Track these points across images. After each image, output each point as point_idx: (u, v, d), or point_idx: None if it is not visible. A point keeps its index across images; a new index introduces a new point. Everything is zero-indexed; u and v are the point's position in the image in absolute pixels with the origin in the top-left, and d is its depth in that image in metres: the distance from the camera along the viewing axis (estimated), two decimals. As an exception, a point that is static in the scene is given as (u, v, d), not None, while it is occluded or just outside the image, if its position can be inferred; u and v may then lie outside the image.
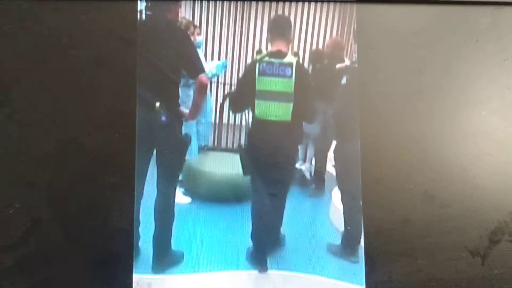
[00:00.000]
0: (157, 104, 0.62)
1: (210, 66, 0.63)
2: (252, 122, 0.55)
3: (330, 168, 0.64)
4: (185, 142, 0.64)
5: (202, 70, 0.64)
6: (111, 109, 0.62)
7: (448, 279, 0.63)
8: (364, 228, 0.63)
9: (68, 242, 0.60)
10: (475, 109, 0.66)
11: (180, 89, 0.64)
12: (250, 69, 0.54)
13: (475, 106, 0.67)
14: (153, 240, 0.61)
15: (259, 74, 0.55)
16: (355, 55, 0.65)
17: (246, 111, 0.55)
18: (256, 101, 0.55)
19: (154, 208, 0.62)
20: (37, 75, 0.62)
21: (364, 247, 0.62)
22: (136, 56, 0.63)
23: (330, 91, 0.59)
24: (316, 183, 0.63)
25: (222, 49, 0.65)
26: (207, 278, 0.61)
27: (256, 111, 0.54)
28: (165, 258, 0.61)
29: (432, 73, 0.66)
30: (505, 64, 0.67)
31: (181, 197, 0.65)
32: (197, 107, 0.63)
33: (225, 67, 0.60)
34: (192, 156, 0.64)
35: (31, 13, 0.63)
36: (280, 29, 0.55)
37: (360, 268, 0.62)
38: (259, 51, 0.56)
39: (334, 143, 0.64)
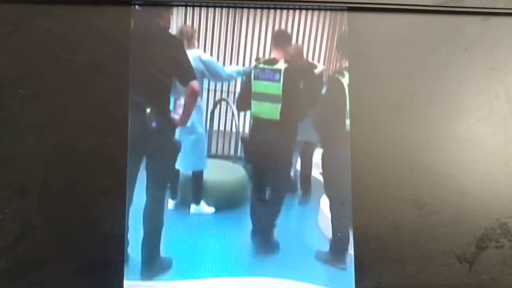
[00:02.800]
0: (148, 110, 0.63)
1: (230, 69, 0.65)
2: (251, 119, 0.63)
3: (318, 175, 0.65)
4: (175, 148, 0.64)
5: (193, 76, 0.64)
6: (104, 114, 0.62)
7: (437, 285, 0.64)
8: (353, 234, 0.63)
9: (59, 248, 0.60)
10: (463, 117, 0.67)
11: (171, 95, 0.64)
12: (248, 74, 0.63)
13: (463, 114, 0.67)
14: (142, 247, 0.61)
15: (254, 78, 0.63)
16: (339, 65, 0.65)
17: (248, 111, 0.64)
18: (253, 102, 0.63)
19: (143, 215, 0.62)
20: (30, 80, 0.62)
21: (354, 254, 0.63)
22: (129, 62, 0.63)
23: (312, 98, 0.65)
24: (303, 189, 0.65)
25: (214, 54, 0.65)
26: (195, 285, 0.61)
27: (253, 110, 0.63)
28: (153, 265, 0.61)
29: (421, 81, 0.67)
30: (493, 73, 0.68)
31: (205, 208, 0.65)
32: (188, 113, 0.64)
33: (247, 73, 0.64)
34: (201, 167, 0.65)
35: (25, 18, 0.63)
36: (278, 41, 0.63)
37: (349, 274, 0.63)
38: (258, 58, 0.63)
39: (320, 151, 0.65)
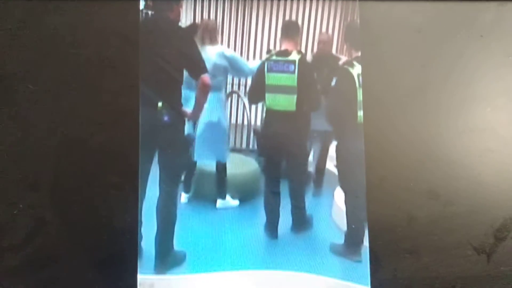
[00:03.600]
0: (159, 103, 0.62)
1: (253, 64, 0.65)
2: (264, 112, 0.63)
3: (332, 167, 0.64)
4: (187, 142, 0.63)
5: (204, 70, 0.64)
6: (114, 109, 0.62)
7: (454, 277, 0.63)
8: (368, 226, 0.62)
9: (72, 242, 0.60)
10: (480, 106, 0.66)
11: (182, 89, 0.64)
12: (260, 67, 0.62)
13: (480, 103, 0.66)
14: (155, 240, 0.61)
15: (267, 71, 0.62)
16: (349, 55, 0.64)
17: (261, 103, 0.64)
18: (266, 94, 0.62)
19: (156, 208, 0.62)
20: (40, 75, 0.62)
21: (369, 246, 0.62)
22: (139, 55, 0.62)
23: (326, 87, 0.64)
24: (317, 181, 0.64)
25: (225, 45, 0.64)
26: (209, 278, 0.61)
27: (266, 103, 0.62)
28: (167, 259, 0.60)
29: (436, 70, 0.66)
30: (509, 60, 0.67)
31: (231, 201, 0.65)
32: (199, 106, 0.64)
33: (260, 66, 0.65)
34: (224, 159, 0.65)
35: (33, 13, 0.63)
36: (289, 32, 0.62)
37: (364, 267, 0.62)
38: (269, 51, 0.63)
39: (334, 143, 0.65)
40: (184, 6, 0.64)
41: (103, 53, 0.63)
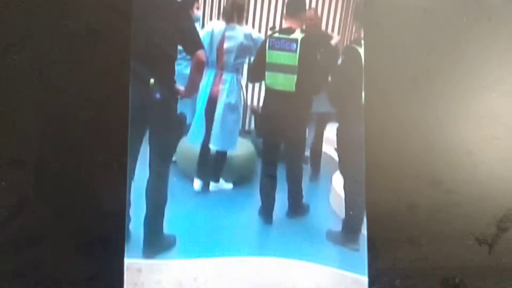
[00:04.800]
0: (152, 80, 0.59)
1: None
2: (265, 91, 0.61)
3: (330, 151, 0.62)
4: (180, 120, 0.61)
5: (200, 46, 0.61)
6: (104, 84, 0.59)
7: (454, 267, 0.61)
8: (367, 214, 0.60)
9: (57, 223, 0.58)
10: (485, 92, 0.64)
11: (176, 65, 0.61)
12: (262, 44, 0.60)
13: (485, 88, 0.64)
14: (144, 223, 0.58)
15: (268, 48, 0.60)
16: (356, 34, 0.62)
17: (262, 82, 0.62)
18: (266, 72, 0.60)
19: (146, 190, 0.59)
20: (28, 47, 0.59)
21: (367, 234, 0.60)
22: (131, 29, 0.59)
23: (329, 69, 0.62)
24: (313, 165, 0.62)
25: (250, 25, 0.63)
26: (200, 264, 0.58)
27: (266, 81, 0.60)
28: (156, 243, 0.58)
29: (441, 53, 0.64)
30: (517, 45, 0.64)
31: (224, 184, 0.63)
32: (194, 84, 0.61)
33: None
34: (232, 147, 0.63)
35: (21, -17, 0.59)
36: (294, 9, 0.60)
37: (362, 255, 0.59)
38: (272, 27, 0.61)
39: (336, 125, 0.62)
40: None
41: (94, 25, 0.60)
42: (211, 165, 0.63)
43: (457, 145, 0.63)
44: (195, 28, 0.61)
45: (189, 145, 0.62)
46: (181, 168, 0.62)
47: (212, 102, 0.64)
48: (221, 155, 0.63)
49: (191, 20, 0.61)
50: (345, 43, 0.62)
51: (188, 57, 0.61)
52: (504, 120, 0.63)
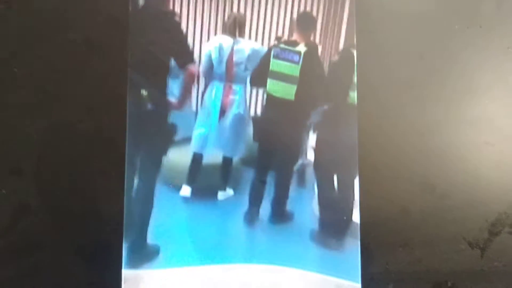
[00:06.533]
0: (144, 92, 0.61)
1: None
2: (265, 96, 0.64)
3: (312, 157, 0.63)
4: (170, 131, 0.62)
5: (190, 59, 0.62)
6: (102, 94, 0.60)
7: (447, 271, 0.61)
8: (360, 218, 0.61)
9: (56, 229, 0.59)
10: (477, 97, 0.65)
11: (169, 78, 0.62)
12: (267, 52, 0.63)
13: (477, 94, 0.65)
14: (126, 232, 0.59)
15: (273, 57, 0.63)
16: (350, 40, 0.63)
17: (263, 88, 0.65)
18: (268, 79, 0.63)
19: (133, 198, 0.60)
20: (26, 58, 0.60)
21: (360, 238, 0.61)
22: (128, 41, 0.61)
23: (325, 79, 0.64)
24: (303, 172, 0.63)
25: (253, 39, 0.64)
26: (183, 273, 0.59)
27: (267, 87, 0.63)
28: (140, 252, 0.59)
29: (433, 59, 0.65)
30: (508, 51, 0.65)
31: (230, 191, 0.63)
32: (185, 97, 0.62)
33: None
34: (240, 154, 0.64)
35: (20, -6, 0.61)
36: (303, 23, 0.63)
37: (355, 259, 0.60)
38: (279, 38, 0.64)
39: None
40: None
41: (91, 37, 0.61)
42: (219, 174, 0.64)
43: (450, 150, 0.63)
44: (187, 43, 0.62)
45: (175, 154, 0.63)
46: (165, 175, 0.63)
47: (224, 113, 0.65)
48: (228, 162, 0.64)
49: (182, 34, 0.62)
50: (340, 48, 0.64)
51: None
52: (497, 125, 0.64)
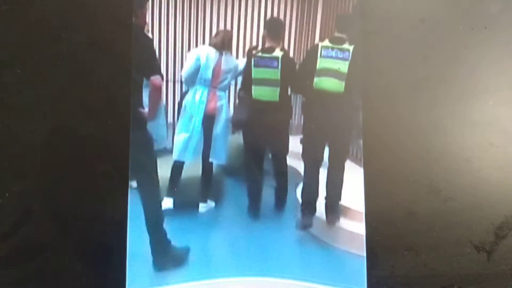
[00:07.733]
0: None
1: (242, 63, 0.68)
2: (251, 102, 0.68)
3: (294, 164, 0.66)
4: (146, 141, 0.61)
5: (154, 71, 0.62)
6: (105, 95, 0.60)
7: (453, 275, 0.61)
8: (366, 221, 0.60)
9: (60, 233, 0.58)
10: (482, 99, 0.64)
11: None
12: (248, 62, 0.67)
13: (482, 96, 0.64)
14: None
15: (254, 66, 0.67)
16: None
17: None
18: (253, 86, 0.68)
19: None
20: (29, 59, 0.60)
21: (366, 241, 0.60)
22: (131, 41, 0.60)
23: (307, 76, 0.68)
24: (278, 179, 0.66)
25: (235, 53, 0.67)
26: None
27: (253, 94, 0.68)
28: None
29: (438, 61, 0.64)
30: (514, 53, 0.65)
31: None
32: (152, 107, 0.62)
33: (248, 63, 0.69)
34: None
35: (23, -4, 0.61)
36: (273, 30, 0.68)
37: (361, 263, 0.60)
38: (255, 47, 0.67)
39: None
40: (149, 10, 0.63)
41: (95, 38, 0.61)
42: (199, 185, 0.64)
43: (455, 153, 0.63)
44: (152, 53, 0.63)
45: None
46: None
47: (209, 118, 0.66)
48: (209, 171, 0.65)
49: (148, 45, 0.63)
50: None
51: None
52: (502, 127, 0.64)
